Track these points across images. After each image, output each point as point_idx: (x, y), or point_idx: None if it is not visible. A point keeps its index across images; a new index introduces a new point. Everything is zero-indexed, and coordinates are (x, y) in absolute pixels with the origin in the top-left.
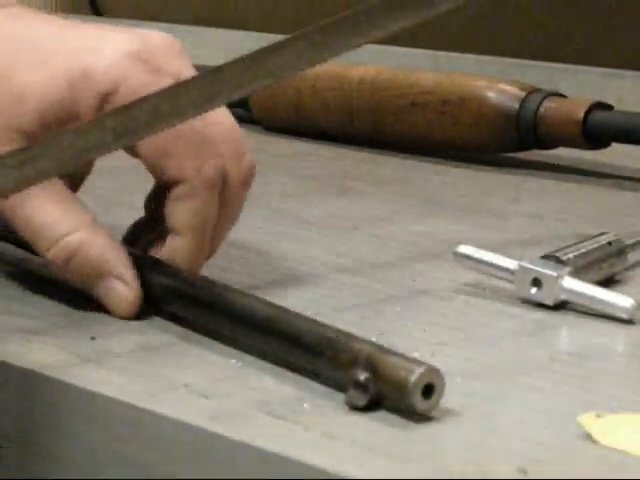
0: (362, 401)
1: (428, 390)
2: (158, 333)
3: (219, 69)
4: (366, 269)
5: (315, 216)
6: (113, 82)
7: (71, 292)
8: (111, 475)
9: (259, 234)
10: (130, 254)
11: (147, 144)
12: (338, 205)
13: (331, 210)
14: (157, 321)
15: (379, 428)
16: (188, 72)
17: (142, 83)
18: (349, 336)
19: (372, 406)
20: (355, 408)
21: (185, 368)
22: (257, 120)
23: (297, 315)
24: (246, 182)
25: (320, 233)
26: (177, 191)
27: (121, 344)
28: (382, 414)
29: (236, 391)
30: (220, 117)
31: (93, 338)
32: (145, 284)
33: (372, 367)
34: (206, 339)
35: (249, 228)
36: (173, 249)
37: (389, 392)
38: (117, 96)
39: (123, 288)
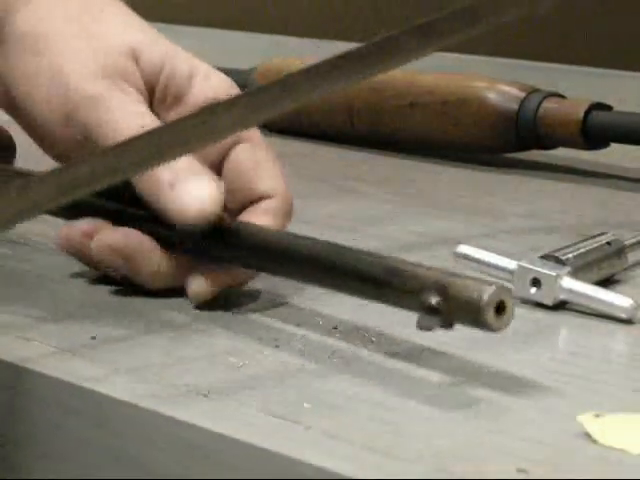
0: (435, 324)
1: (500, 309)
2: (158, 333)
3: (170, 125)
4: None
5: (315, 216)
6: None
7: (71, 291)
8: (111, 475)
9: None
10: None
11: (238, 154)
12: (338, 205)
13: (331, 210)
14: (157, 321)
15: (379, 428)
16: None
17: None
18: (414, 264)
19: (445, 327)
20: (427, 330)
21: (185, 368)
22: None
23: (355, 250)
24: None
25: (320, 233)
26: (268, 205)
27: (121, 344)
28: (382, 413)
29: (236, 391)
30: None
31: (93, 338)
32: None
33: (442, 290)
34: (207, 339)
35: None
36: None
37: (462, 313)
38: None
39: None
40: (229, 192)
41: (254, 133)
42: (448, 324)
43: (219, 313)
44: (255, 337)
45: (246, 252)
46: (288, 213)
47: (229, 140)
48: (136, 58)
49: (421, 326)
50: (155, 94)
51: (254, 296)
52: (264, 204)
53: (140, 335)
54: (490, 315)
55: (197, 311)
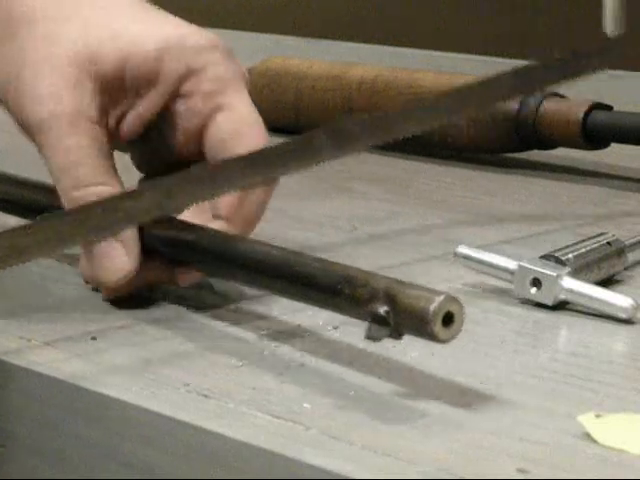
0: (383, 335)
1: (448, 319)
2: (158, 333)
3: (78, 210)
4: (366, 269)
5: (314, 216)
6: None
7: (71, 291)
8: (111, 475)
9: (258, 234)
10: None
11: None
12: (338, 205)
13: (331, 210)
14: (157, 321)
15: (379, 427)
16: None
17: None
18: (365, 272)
19: (394, 337)
20: (375, 341)
21: (185, 368)
22: None
23: (310, 257)
24: None
25: (320, 233)
26: None
27: (121, 344)
28: (382, 413)
29: (236, 391)
30: None
31: (94, 338)
32: (152, 237)
33: (391, 300)
34: (207, 339)
35: None
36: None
37: (409, 323)
38: None
39: (122, 254)
40: (213, 158)
41: (234, 98)
42: (397, 334)
43: (219, 313)
44: (255, 337)
45: (200, 256)
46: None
47: (205, 113)
48: (95, 66)
49: (369, 336)
50: (125, 86)
51: (254, 296)
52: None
53: (140, 335)
54: (437, 326)
55: (197, 312)
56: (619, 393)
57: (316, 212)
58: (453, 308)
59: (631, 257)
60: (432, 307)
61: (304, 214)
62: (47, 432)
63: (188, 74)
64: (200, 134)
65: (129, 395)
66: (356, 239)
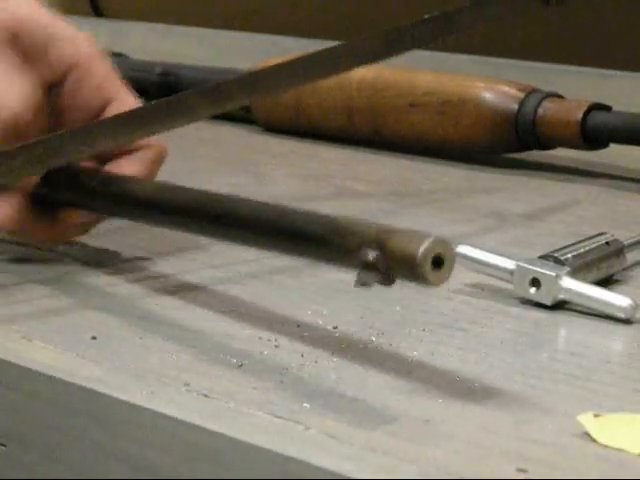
0: (373, 280)
1: (438, 262)
2: (158, 332)
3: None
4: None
5: None
6: None
7: (71, 292)
8: (111, 475)
9: None
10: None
11: None
12: (338, 205)
13: (331, 210)
14: (157, 320)
15: (379, 427)
16: None
17: None
18: (353, 221)
19: (385, 283)
20: (366, 287)
21: (185, 368)
22: (257, 120)
23: (294, 209)
24: None
25: None
26: (144, 154)
27: (121, 344)
28: (382, 413)
29: (236, 391)
30: None
31: (94, 338)
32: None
33: (380, 245)
34: (207, 338)
35: None
36: None
37: (399, 267)
38: None
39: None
40: None
41: (122, 92)
42: (388, 280)
43: (219, 313)
44: (255, 337)
45: (194, 219)
46: (159, 161)
47: (96, 105)
48: None
49: (360, 282)
50: (19, 54)
51: (254, 297)
52: (140, 154)
53: (140, 335)
54: (427, 269)
55: (198, 311)
56: (618, 393)
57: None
58: (443, 250)
59: (630, 257)
60: (421, 250)
61: None
62: (47, 432)
63: (73, 66)
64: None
65: (129, 395)
66: None
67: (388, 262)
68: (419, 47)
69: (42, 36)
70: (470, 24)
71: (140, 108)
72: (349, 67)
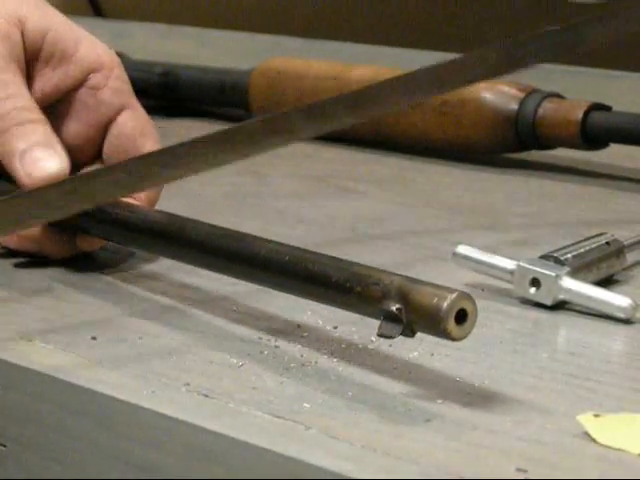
0: (395, 332)
1: (461, 316)
2: (158, 333)
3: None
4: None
5: (315, 216)
6: None
7: (71, 292)
8: (111, 475)
9: (258, 234)
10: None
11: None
12: (338, 205)
13: (331, 210)
14: (157, 320)
15: (379, 427)
16: None
17: None
18: (377, 270)
19: (407, 335)
20: (388, 338)
21: (185, 368)
22: None
23: (320, 255)
24: None
25: (320, 233)
26: None
27: (121, 344)
28: (382, 413)
29: (236, 391)
30: None
31: (94, 338)
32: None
33: (403, 297)
34: (207, 338)
35: (249, 228)
36: None
37: (422, 321)
38: None
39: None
40: (114, 153)
41: (135, 102)
42: (410, 332)
43: (220, 313)
44: (255, 337)
45: (219, 258)
46: None
47: (115, 107)
48: (22, 25)
49: (382, 334)
50: (41, 55)
51: (254, 297)
52: None
53: (140, 335)
54: (450, 323)
55: (198, 311)
56: (618, 393)
57: (316, 212)
58: (466, 305)
59: (630, 257)
60: (445, 304)
61: (304, 214)
62: (47, 432)
63: (98, 67)
64: (105, 127)
65: (129, 395)
66: (356, 239)
67: (411, 315)
68: (541, 62)
69: (72, 38)
70: (598, 38)
71: (231, 129)
72: (464, 83)
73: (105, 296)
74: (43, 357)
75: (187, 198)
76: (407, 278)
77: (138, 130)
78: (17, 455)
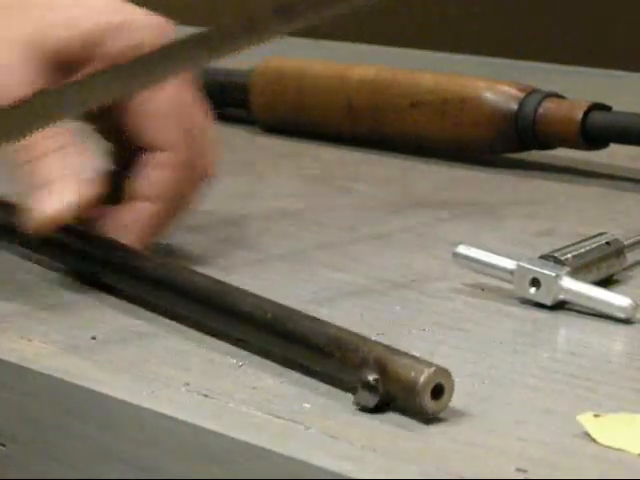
0: (371, 402)
1: (437, 391)
2: (158, 333)
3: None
4: (365, 269)
5: (315, 216)
6: None
7: (71, 291)
8: (111, 475)
9: (258, 234)
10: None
11: (138, 104)
12: (338, 205)
13: (331, 210)
14: (157, 321)
15: (380, 428)
16: None
17: None
18: (357, 337)
19: (381, 407)
20: (364, 409)
21: (185, 368)
22: (257, 120)
23: (303, 315)
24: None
25: (319, 233)
26: (159, 158)
27: (121, 344)
28: (382, 414)
29: (236, 391)
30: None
31: (94, 338)
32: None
33: (381, 368)
34: (207, 338)
35: (248, 228)
36: (142, 215)
37: (398, 393)
38: None
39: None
40: (123, 140)
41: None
42: (385, 403)
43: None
44: None
45: (202, 307)
46: (186, 166)
47: None
48: (43, 39)
49: (358, 402)
50: (71, 59)
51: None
52: (161, 156)
53: (140, 335)
54: (426, 398)
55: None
56: (618, 393)
57: (316, 212)
58: (443, 380)
59: (630, 257)
60: (421, 379)
61: (304, 214)
62: (47, 431)
63: (127, 51)
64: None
65: (129, 395)
66: (356, 239)
67: (388, 386)
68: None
69: (93, 42)
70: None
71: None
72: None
73: (105, 296)
74: (43, 357)
75: None
76: (386, 348)
77: (153, 114)
78: (17, 455)
